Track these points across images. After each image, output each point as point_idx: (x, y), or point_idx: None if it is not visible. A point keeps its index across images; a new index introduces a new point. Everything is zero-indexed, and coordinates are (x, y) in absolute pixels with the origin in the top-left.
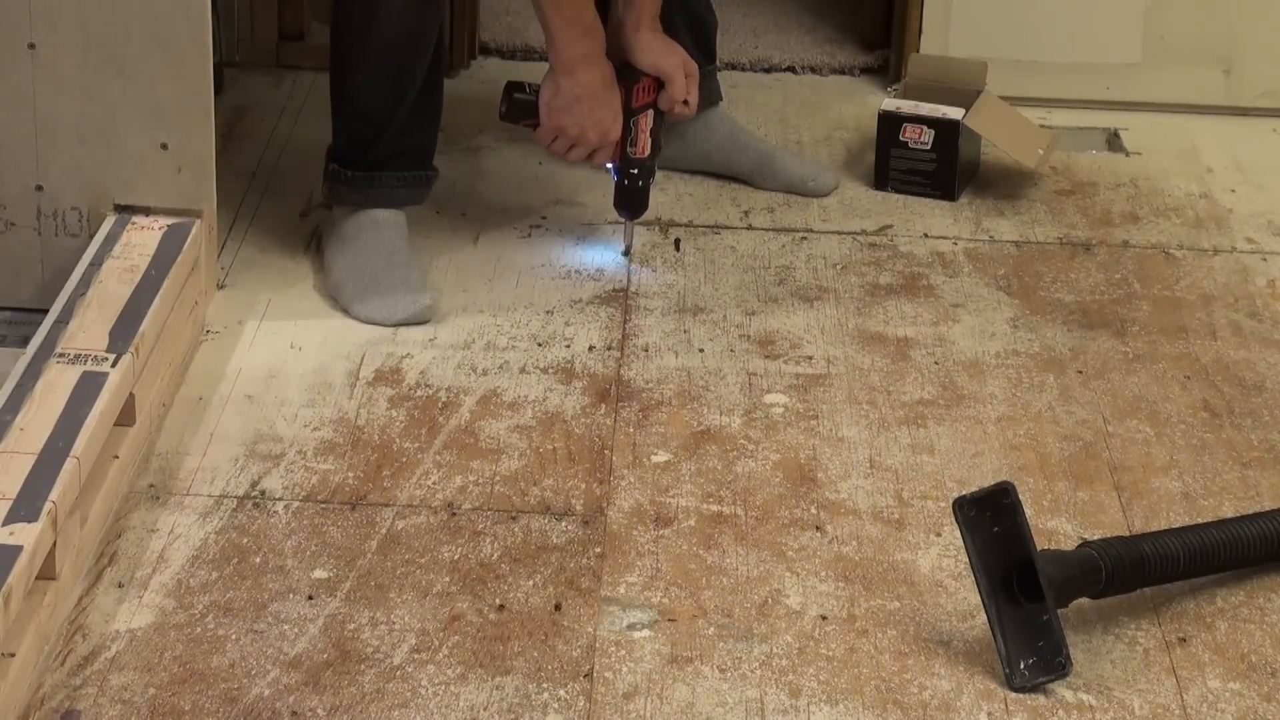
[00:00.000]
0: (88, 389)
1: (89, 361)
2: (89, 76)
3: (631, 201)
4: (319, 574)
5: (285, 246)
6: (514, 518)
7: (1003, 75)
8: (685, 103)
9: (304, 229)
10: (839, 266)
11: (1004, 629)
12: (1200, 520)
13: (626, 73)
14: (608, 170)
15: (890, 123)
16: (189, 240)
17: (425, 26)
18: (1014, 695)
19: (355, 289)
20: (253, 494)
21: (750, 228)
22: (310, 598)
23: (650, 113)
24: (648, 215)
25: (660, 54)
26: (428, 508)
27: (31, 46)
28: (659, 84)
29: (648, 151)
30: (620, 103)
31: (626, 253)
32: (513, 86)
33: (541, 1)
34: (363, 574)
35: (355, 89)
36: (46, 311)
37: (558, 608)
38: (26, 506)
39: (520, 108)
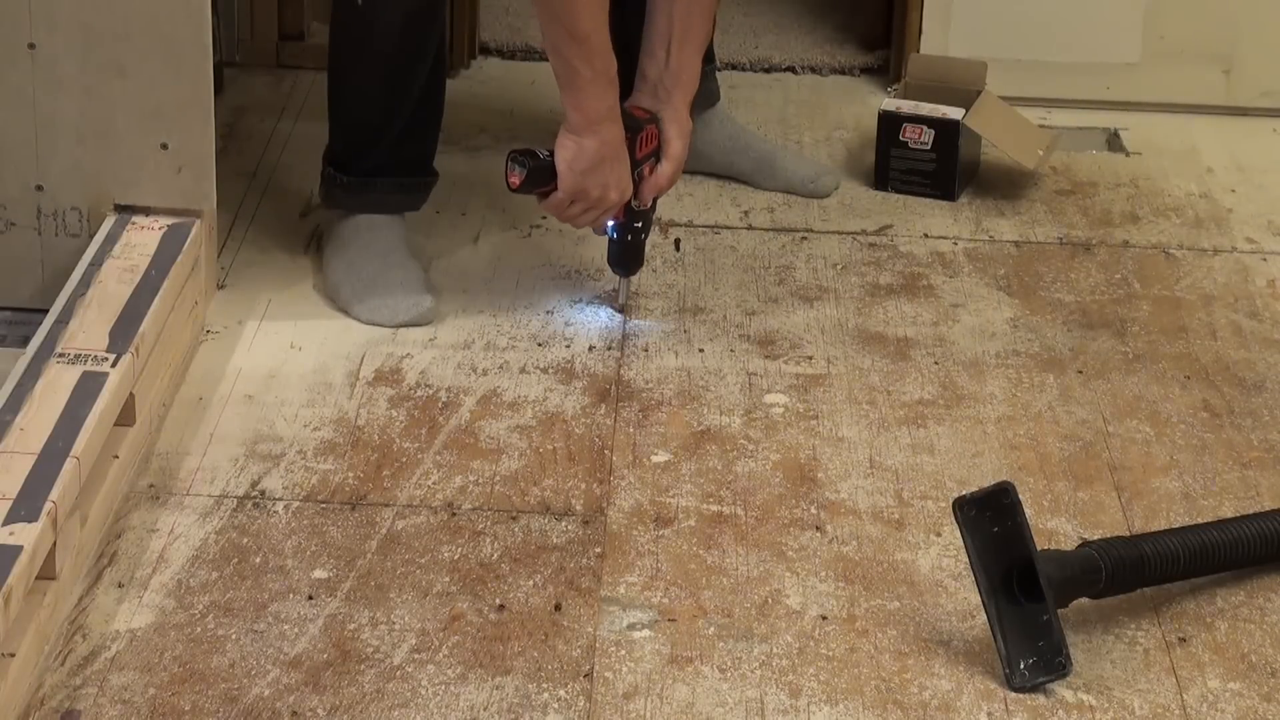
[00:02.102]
0: (88, 389)
1: (89, 361)
2: (89, 76)
3: (632, 256)
4: (319, 574)
5: (285, 246)
6: (514, 518)
7: (1003, 75)
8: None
9: (304, 229)
10: (839, 266)
11: (1004, 629)
12: (1200, 520)
13: (629, 121)
14: (606, 229)
15: (890, 123)
16: (189, 240)
17: (423, 41)
18: (1014, 695)
19: (353, 290)
20: (253, 494)
21: (750, 228)
22: (310, 598)
23: (653, 161)
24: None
25: (685, 134)
26: (428, 508)
27: (31, 46)
28: (659, 131)
29: (650, 202)
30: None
31: (622, 310)
32: (522, 154)
33: (571, 55)
34: (363, 574)
35: (352, 98)
36: (46, 311)
37: (558, 608)
38: (26, 506)
39: (539, 174)
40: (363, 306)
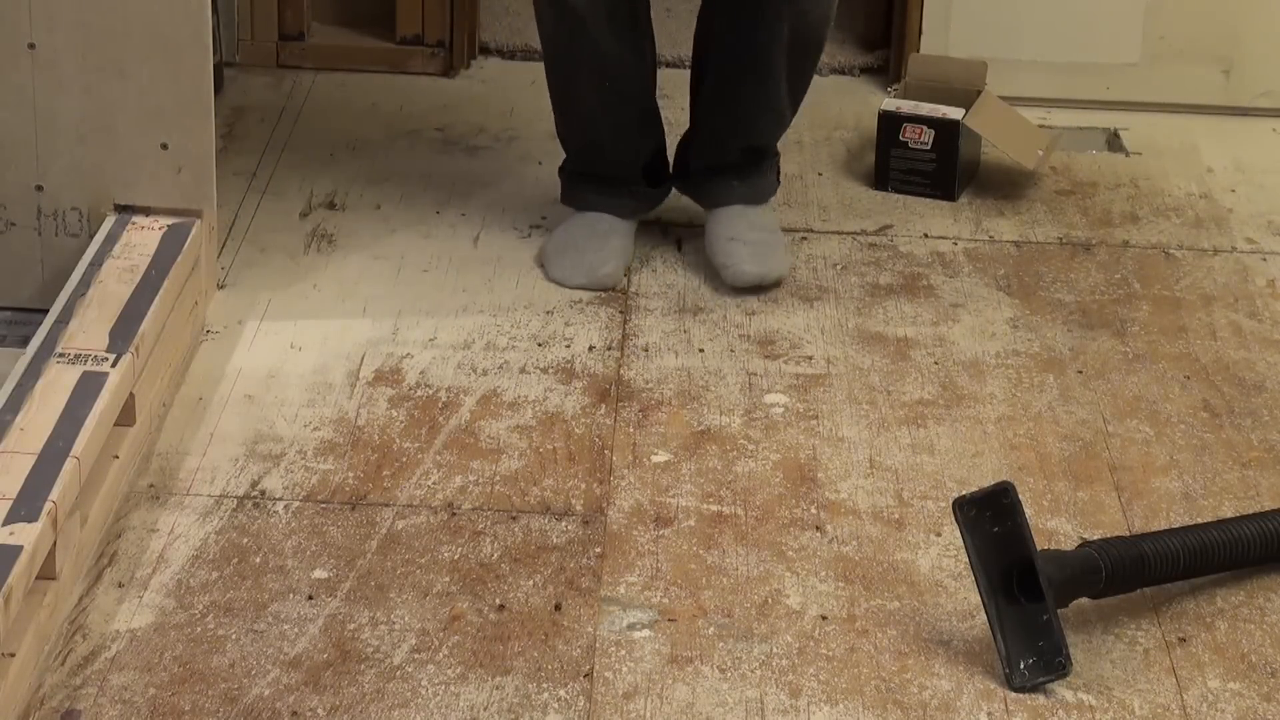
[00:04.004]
0: (88, 389)
1: (89, 361)
2: (89, 76)
3: None
4: (319, 574)
5: (285, 246)
6: (514, 518)
7: (1003, 75)
8: None
9: (304, 229)
10: (839, 266)
11: (1004, 629)
12: (1200, 520)
13: None
14: None
15: (890, 123)
16: (189, 240)
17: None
18: (1014, 695)
19: (552, 252)
20: (253, 494)
21: None
22: (310, 598)
23: None
24: (650, 215)
25: None
26: (428, 508)
27: (31, 46)
28: None
29: None
30: None
31: None
32: None
33: None
34: (363, 574)
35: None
36: (46, 311)
37: (558, 608)
38: (26, 506)
39: None
40: (552, 266)
